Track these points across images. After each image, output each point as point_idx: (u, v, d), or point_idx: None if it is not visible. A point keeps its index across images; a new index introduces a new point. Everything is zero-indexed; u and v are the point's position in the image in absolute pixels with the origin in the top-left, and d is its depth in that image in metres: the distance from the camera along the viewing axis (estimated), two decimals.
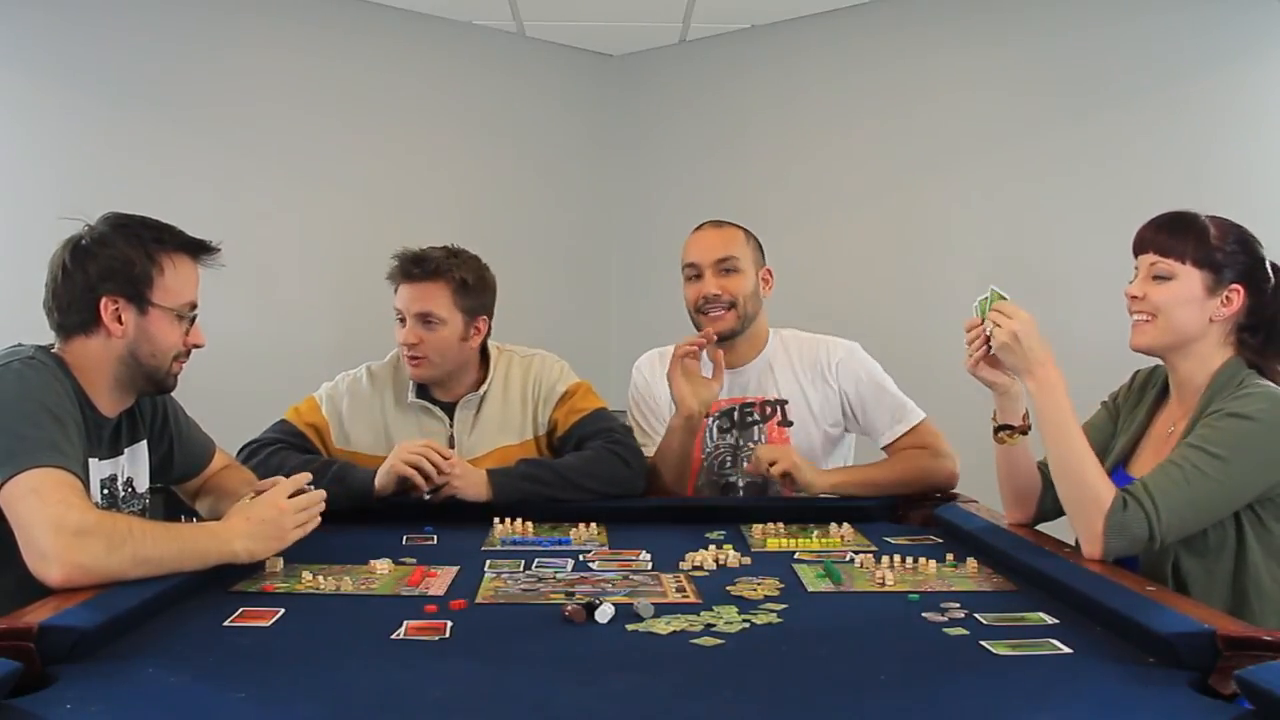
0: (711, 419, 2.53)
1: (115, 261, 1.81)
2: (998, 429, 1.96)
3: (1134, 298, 1.87)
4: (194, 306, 1.90)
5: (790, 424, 2.52)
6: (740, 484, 2.52)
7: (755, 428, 2.52)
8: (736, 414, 2.54)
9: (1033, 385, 1.79)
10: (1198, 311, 1.83)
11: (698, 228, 2.59)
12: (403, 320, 2.40)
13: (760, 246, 2.57)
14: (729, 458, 2.53)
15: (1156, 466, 1.75)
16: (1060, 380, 1.78)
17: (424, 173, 4.63)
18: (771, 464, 2.31)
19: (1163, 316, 1.84)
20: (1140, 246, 1.89)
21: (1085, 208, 3.95)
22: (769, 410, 2.53)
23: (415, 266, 2.39)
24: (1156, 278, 1.84)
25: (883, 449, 2.52)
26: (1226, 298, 1.83)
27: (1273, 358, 1.87)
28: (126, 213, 1.88)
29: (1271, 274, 1.87)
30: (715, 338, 2.44)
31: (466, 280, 2.40)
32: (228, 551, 1.68)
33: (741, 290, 2.48)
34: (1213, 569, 1.76)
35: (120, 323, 1.81)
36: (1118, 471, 1.95)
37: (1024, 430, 1.94)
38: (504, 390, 2.48)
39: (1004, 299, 1.84)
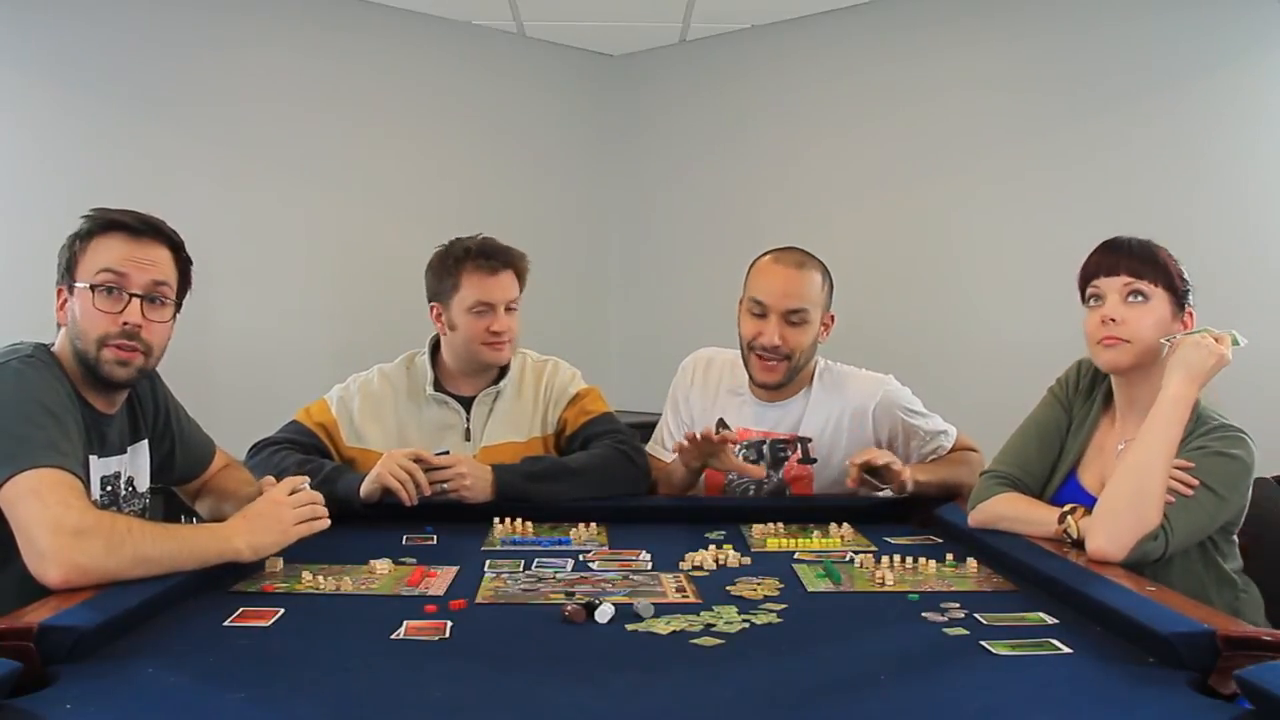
0: (739, 448, 2.45)
1: (62, 252, 1.82)
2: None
3: (1111, 320, 1.88)
4: (119, 278, 1.77)
5: (813, 461, 2.45)
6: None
7: (783, 463, 2.47)
8: (766, 447, 2.47)
9: (1172, 390, 1.79)
10: (1162, 333, 1.89)
11: (777, 256, 2.43)
12: (481, 311, 2.41)
13: (832, 287, 2.44)
14: (751, 487, 2.47)
15: None
16: (1189, 407, 1.79)
17: (424, 173, 4.63)
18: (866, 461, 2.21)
19: (1138, 339, 1.89)
20: (1111, 269, 1.91)
21: (1085, 208, 3.94)
22: (795, 447, 2.46)
23: (496, 258, 2.43)
24: (1133, 297, 1.88)
25: None
26: (1184, 321, 1.91)
27: None
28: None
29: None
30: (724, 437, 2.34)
31: (527, 268, 2.49)
32: (229, 549, 1.67)
33: (802, 344, 2.39)
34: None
35: (63, 311, 1.81)
36: (1071, 479, 1.97)
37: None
38: (518, 388, 2.53)
39: (1236, 343, 1.84)
